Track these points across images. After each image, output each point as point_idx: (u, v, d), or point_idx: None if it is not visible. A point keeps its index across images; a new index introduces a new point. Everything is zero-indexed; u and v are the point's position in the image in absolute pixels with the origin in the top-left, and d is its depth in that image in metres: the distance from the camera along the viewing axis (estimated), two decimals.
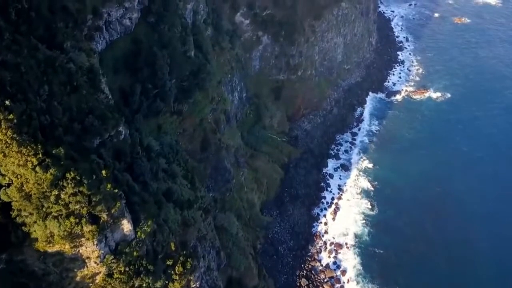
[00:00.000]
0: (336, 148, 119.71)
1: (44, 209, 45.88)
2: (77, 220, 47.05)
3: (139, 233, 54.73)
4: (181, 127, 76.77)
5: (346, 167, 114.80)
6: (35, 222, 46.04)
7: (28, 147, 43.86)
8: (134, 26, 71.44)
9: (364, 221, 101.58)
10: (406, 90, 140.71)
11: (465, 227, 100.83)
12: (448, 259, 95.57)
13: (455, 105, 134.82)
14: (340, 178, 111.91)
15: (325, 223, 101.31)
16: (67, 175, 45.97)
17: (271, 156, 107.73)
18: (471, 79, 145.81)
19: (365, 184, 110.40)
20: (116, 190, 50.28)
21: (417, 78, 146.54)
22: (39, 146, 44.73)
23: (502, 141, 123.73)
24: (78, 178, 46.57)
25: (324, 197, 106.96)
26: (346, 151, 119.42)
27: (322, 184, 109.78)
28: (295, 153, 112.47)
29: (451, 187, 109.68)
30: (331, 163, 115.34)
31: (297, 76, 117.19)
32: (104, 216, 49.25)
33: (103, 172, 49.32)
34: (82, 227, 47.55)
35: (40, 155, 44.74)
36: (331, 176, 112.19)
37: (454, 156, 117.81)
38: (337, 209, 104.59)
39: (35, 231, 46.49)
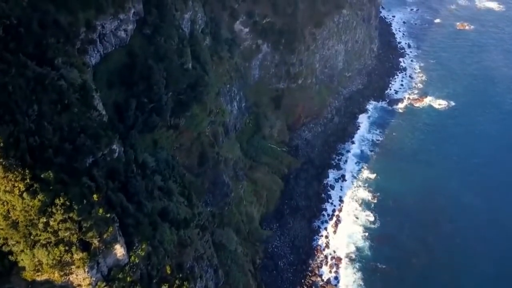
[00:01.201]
0: (337, 158, 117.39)
1: (32, 237, 43.85)
2: (66, 248, 45.00)
3: (132, 257, 52.73)
4: (178, 141, 74.70)
5: (347, 178, 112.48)
6: (22, 250, 44.03)
7: (15, 172, 41.95)
8: (130, 38, 69.48)
9: (365, 234, 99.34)
10: (408, 98, 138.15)
11: (469, 239, 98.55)
12: (452, 273, 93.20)
13: (458, 113, 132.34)
14: (341, 189, 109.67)
15: (326, 236, 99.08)
16: (56, 201, 44.00)
17: (271, 167, 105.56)
18: (475, 86, 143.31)
19: (367, 195, 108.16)
20: (108, 215, 48.18)
21: (420, 86, 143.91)
22: (27, 171, 42.78)
23: (506, 149, 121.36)
24: (67, 203, 44.61)
25: (325, 209, 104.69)
26: (347, 161, 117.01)
27: (323, 195, 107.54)
28: (295, 164, 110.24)
29: (455, 198, 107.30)
30: (332, 174, 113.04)
31: (298, 84, 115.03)
32: (95, 242, 47.17)
33: (94, 196, 47.26)
34: (72, 254, 45.49)
35: (28, 180, 42.77)
36: (332, 187, 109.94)
37: (457, 166, 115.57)
38: (338, 221, 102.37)
39: (22, 260, 44.47)
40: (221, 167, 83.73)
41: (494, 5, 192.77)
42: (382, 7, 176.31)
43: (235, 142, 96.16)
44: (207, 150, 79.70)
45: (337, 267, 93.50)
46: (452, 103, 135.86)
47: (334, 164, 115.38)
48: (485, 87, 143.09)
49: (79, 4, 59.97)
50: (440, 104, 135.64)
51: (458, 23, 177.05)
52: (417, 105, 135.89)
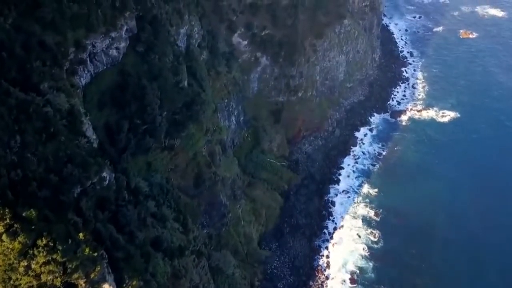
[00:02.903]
0: (338, 172, 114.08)
1: (11, 282, 40.67)
2: None
3: None
4: (173, 163, 71.60)
5: (348, 194, 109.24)
6: None
7: None
8: (122, 56, 66.46)
9: (368, 254, 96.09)
10: (411, 109, 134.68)
11: (476, 259, 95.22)
12: None
13: (463, 125, 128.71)
14: (342, 206, 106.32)
15: (327, 256, 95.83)
16: (39, 242, 40.93)
17: (270, 183, 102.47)
18: (480, 97, 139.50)
19: (369, 212, 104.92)
20: (95, 253, 45.01)
21: (423, 96, 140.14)
22: (7, 210, 39.75)
23: None
24: (51, 244, 41.50)
25: (326, 227, 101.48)
26: (348, 176, 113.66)
27: (324, 212, 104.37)
28: (295, 179, 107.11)
29: (461, 215, 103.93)
30: (333, 190, 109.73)
31: (298, 97, 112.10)
32: (81, 283, 44.00)
33: (80, 235, 44.19)
34: None
35: (8, 220, 39.82)
36: (333, 203, 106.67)
37: (463, 180, 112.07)
38: (339, 240, 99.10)
39: None
40: (218, 187, 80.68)
41: (496, 12, 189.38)
42: (384, 15, 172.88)
43: (233, 159, 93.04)
44: (204, 171, 76.64)
45: None
46: (457, 115, 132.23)
47: (335, 179, 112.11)
48: (491, 97, 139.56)
49: (68, 23, 56.93)
50: (444, 115, 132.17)
51: (461, 31, 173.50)
52: (420, 116, 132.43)
